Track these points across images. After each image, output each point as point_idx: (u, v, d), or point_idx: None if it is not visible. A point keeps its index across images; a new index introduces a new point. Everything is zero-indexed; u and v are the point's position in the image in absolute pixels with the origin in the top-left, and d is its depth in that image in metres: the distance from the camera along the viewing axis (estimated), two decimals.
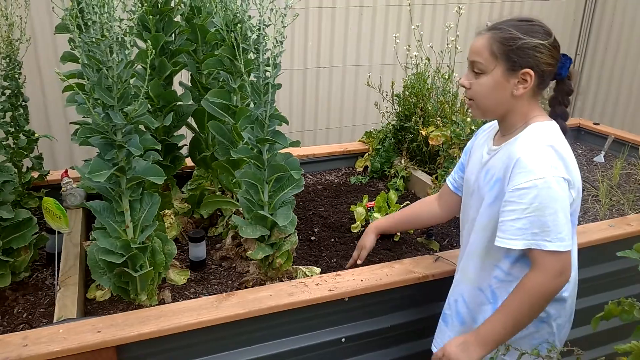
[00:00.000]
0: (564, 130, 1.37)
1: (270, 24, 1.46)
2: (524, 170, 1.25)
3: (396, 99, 2.71)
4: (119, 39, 1.34)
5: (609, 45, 4.43)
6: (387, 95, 2.71)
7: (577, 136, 3.51)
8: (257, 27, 1.44)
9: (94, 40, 1.33)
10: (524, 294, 1.28)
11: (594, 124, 3.49)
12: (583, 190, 2.65)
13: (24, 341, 1.37)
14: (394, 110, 2.74)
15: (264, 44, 1.47)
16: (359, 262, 1.80)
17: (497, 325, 1.30)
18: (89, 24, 1.33)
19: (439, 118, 2.43)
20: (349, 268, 1.79)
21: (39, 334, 1.40)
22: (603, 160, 3.13)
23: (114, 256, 1.49)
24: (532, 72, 1.28)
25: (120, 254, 1.50)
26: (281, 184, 1.65)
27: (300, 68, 3.70)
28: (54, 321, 1.51)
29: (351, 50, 3.80)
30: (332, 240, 2.18)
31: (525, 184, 1.24)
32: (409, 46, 2.57)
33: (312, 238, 2.18)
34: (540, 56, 1.28)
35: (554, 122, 1.37)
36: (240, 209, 2.06)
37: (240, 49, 1.61)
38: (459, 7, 2.23)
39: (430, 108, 2.54)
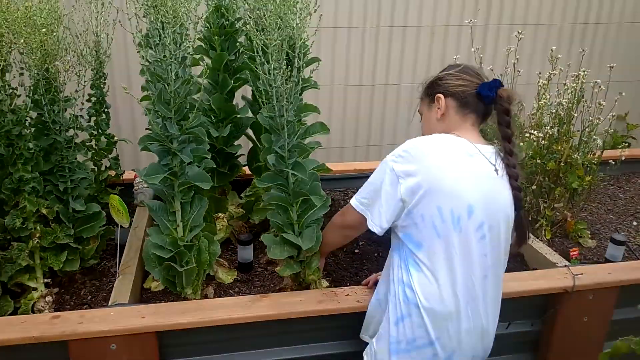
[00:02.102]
0: (508, 151, 1.45)
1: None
2: None
3: None
4: (179, 59, 1.50)
5: None
6: None
7: None
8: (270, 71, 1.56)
9: (158, 59, 1.50)
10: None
11: None
12: None
13: (80, 319, 1.56)
14: None
15: (277, 83, 1.58)
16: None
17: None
18: (154, 44, 1.51)
19: (495, 140, 2.41)
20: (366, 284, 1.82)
21: (93, 314, 1.59)
22: None
23: (163, 251, 1.66)
24: (441, 96, 1.49)
25: (168, 249, 1.66)
26: (309, 204, 1.72)
27: (341, 84, 3.74)
28: (109, 304, 1.70)
29: (407, 69, 3.83)
30: (376, 254, 2.24)
31: None
32: None
33: (356, 251, 2.25)
34: (446, 82, 1.50)
35: (456, 137, 1.44)
36: None
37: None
38: (519, 32, 2.22)
39: (488, 131, 2.52)
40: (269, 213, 1.71)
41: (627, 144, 3.83)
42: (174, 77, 1.48)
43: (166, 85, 1.51)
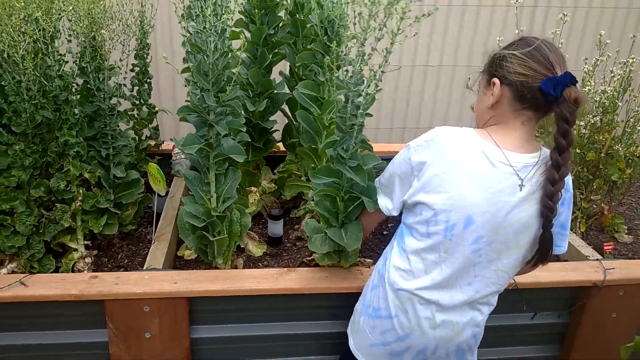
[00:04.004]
0: (555, 164, 1.23)
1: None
2: None
3: None
4: (218, 31, 1.53)
5: None
6: None
7: None
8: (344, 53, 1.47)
9: (198, 30, 1.53)
10: None
11: None
12: None
13: (116, 280, 1.63)
14: None
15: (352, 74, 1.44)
16: None
17: None
18: (195, 16, 1.53)
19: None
20: None
21: (128, 276, 1.66)
22: None
23: (197, 220, 1.71)
24: (497, 81, 1.28)
25: (202, 219, 1.71)
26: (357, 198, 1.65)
27: (396, 65, 3.73)
28: (144, 268, 1.77)
29: (449, 50, 3.76)
30: None
31: None
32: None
33: (384, 232, 2.26)
34: (508, 65, 1.26)
35: (485, 142, 1.27)
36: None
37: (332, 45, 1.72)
38: (564, 14, 2.14)
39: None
40: (315, 202, 1.67)
41: None
42: (212, 49, 1.50)
43: (205, 57, 1.54)
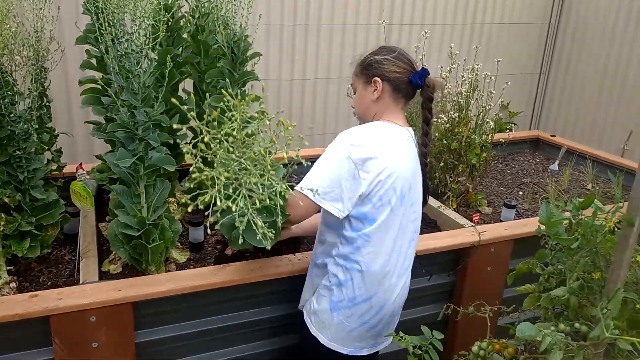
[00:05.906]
0: (425, 132, 1.72)
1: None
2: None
3: None
4: (145, 53, 1.67)
5: (569, 67, 4.88)
6: None
7: (536, 146, 3.91)
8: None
9: (124, 53, 1.66)
10: None
11: (550, 135, 3.90)
12: (535, 193, 3.06)
13: (59, 296, 1.67)
14: None
15: None
16: None
17: None
18: (121, 40, 1.66)
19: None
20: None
21: (71, 291, 1.71)
22: (557, 168, 3.52)
23: (132, 230, 1.80)
24: (379, 79, 1.65)
25: (136, 228, 1.81)
26: None
27: (288, 79, 4.06)
28: (81, 283, 1.81)
29: (334, 63, 4.18)
30: None
31: (327, 149, 1.61)
32: None
33: None
34: (383, 67, 1.66)
35: (393, 125, 1.65)
36: None
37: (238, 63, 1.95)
38: (425, 32, 2.60)
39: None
40: (219, 226, 1.79)
41: (510, 129, 4.46)
42: (144, 70, 1.64)
43: (134, 77, 1.67)
